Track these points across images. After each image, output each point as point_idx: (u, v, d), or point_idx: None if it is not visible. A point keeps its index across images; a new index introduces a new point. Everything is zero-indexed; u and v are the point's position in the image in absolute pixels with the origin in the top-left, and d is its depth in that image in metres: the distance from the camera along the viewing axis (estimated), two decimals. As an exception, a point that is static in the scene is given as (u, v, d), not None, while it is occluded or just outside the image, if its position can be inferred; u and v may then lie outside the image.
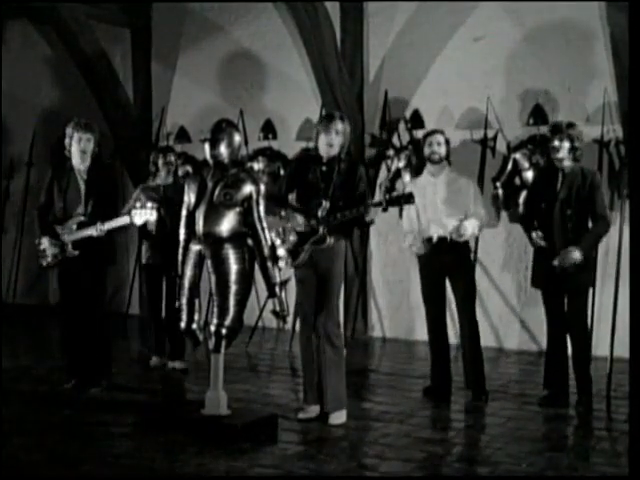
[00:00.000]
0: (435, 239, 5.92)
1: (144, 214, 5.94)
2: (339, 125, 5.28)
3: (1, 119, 10.26)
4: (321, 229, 5.17)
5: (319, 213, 5.17)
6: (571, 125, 6.00)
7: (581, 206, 5.70)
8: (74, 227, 5.94)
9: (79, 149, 6.00)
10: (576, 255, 5.60)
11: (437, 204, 5.94)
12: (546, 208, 5.78)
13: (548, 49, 7.68)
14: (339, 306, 5.39)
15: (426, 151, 6.02)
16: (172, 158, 7.12)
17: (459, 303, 6.01)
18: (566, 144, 5.74)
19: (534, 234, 5.80)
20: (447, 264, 5.94)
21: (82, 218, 5.95)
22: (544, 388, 5.95)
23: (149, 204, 6.05)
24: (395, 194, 5.24)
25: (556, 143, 5.77)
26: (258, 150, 8.87)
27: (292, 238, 5.22)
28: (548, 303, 5.91)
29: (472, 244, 6.67)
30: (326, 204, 5.17)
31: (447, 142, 6.06)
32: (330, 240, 5.21)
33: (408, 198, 5.15)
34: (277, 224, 5.26)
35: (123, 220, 5.91)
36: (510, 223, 7.44)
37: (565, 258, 5.62)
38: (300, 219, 5.22)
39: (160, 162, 7.11)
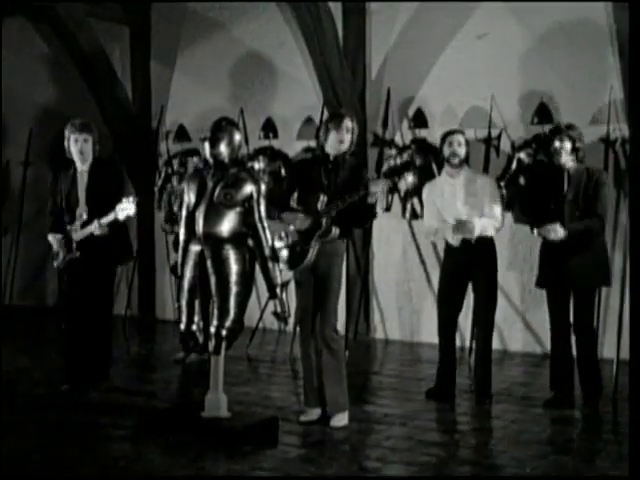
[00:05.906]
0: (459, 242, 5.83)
1: (126, 209, 5.65)
2: (349, 123, 5.34)
3: (1, 117, 10.21)
4: (324, 221, 5.13)
5: (318, 207, 5.14)
6: (570, 127, 5.92)
7: (589, 206, 5.64)
8: (78, 228, 5.92)
9: (76, 150, 5.98)
10: (558, 232, 5.54)
11: (457, 206, 5.82)
12: (555, 209, 5.70)
13: (552, 47, 7.62)
14: (337, 309, 5.32)
15: (446, 152, 5.87)
16: (194, 159, 7.17)
17: (479, 304, 5.94)
18: (567, 145, 5.67)
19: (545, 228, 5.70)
20: (472, 265, 5.85)
21: (85, 217, 5.90)
22: (551, 390, 5.89)
23: (130, 198, 5.73)
24: (392, 165, 5.22)
25: (557, 144, 5.70)
26: (259, 149, 8.82)
27: (296, 239, 5.17)
28: (552, 303, 5.84)
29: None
30: (324, 198, 5.15)
31: (467, 142, 5.95)
32: (335, 231, 5.16)
33: (407, 166, 5.11)
34: (278, 228, 5.21)
35: (112, 215, 5.70)
36: (514, 224, 7.37)
37: (546, 230, 5.58)
38: (300, 216, 5.17)
39: (176, 166, 7.18)
